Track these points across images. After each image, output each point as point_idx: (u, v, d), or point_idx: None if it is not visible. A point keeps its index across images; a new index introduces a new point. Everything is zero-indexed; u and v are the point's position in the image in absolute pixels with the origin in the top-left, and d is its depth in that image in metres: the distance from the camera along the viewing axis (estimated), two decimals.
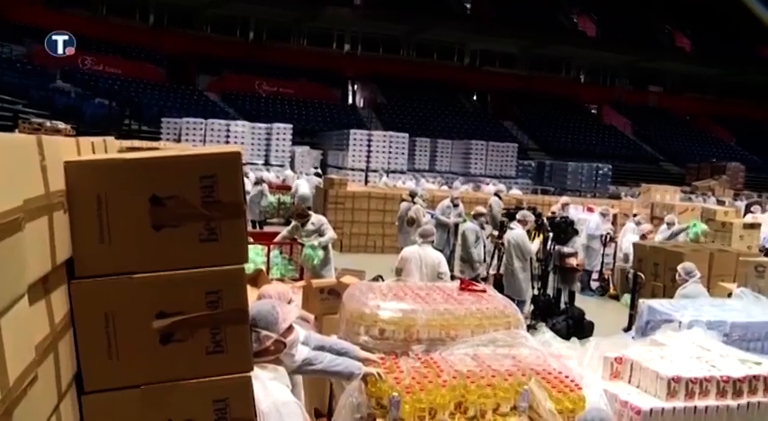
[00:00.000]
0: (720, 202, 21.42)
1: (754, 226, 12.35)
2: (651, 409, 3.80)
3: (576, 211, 13.20)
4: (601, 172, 27.55)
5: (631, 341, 4.86)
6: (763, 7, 41.99)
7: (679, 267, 6.94)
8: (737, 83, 48.72)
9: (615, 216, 12.38)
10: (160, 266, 2.10)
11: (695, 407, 3.91)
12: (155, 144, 17.85)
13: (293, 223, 9.26)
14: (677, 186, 24.75)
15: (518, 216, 9.69)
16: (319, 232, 8.91)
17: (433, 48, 43.51)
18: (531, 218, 9.79)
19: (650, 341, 4.73)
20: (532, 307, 9.80)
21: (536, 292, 9.87)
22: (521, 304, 9.27)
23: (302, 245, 8.80)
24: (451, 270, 12.63)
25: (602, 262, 12.04)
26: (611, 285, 12.01)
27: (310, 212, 9.37)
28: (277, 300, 3.58)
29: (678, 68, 46.63)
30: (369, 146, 27.10)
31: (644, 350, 4.42)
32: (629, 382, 4.17)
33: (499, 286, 9.47)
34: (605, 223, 11.95)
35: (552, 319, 9.21)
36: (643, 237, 10.98)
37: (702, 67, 46.25)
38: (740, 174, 33.66)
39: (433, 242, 7.98)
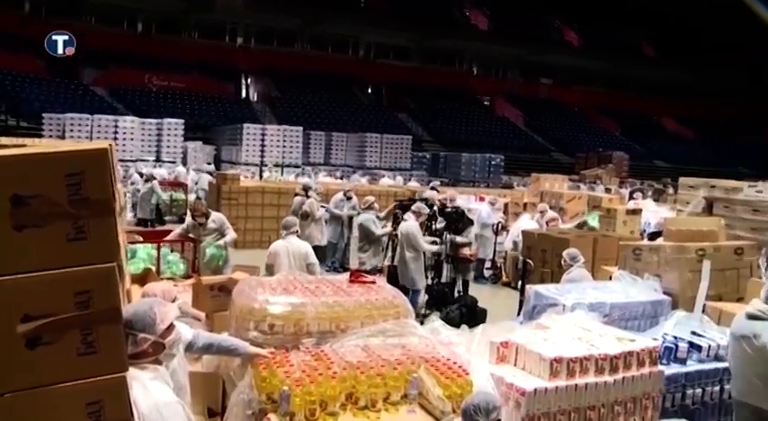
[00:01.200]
0: (607, 190, 22.33)
1: (636, 212, 12.94)
2: (535, 389, 3.94)
3: (467, 201, 13.49)
4: (493, 162, 28.20)
5: (518, 326, 5.02)
6: (764, 7, 43.37)
7: (564, 253, 7.21)
8: (623, 76, 50.92)
9: (506, 205, 12.75)
10: (24, 268, 2.02)
11: (576, 384, 4.08)
12: (29, 141, 17.02)
13: (189, 220, 9.04)
14: (567, 175, 25.66)
15: (413, 207, 9.80)
16: (220, 231, 8.75)
17: (328, 41, 43.29)
18: (426, 210, 9.94)
19: (535, 325, 4.89)
20: (427, 297, 9.95)
21: (430, 282, 10.02)
22: (415, 294, 9.42)
23: (194, 241, 8.61)
24: (347, 263, 12.78)
25: (495, 250, 12.34)
26: (503, 273, 12.34)
27: (210, 210, 9.16)
28: (161, 298, 3.51)
29: (567, 62, 48.29)
30: (263, 140, 26.80)
31: (529, 334, 4.58)
32: (515, 365, 4.31)
33: (394, 277, 9.59)
34: (496, 212, 12.26)
35: (446, 308, 9.39)
36: (547, 224, 11.31)
37: (590, 60, 48.04)
38: (625, 162, 35.16)
39: (296, 233, 7.92)
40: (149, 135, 25.98)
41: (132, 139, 25.08)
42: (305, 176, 20.57)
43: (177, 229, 9.27)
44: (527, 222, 11.94)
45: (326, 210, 12.68)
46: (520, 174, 26.64)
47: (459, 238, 10.00)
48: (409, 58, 45.43)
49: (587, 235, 9.00)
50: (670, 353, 5.04)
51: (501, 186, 23.43)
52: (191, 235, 8.77)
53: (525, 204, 13.85)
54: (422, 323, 4.87)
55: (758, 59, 54.72)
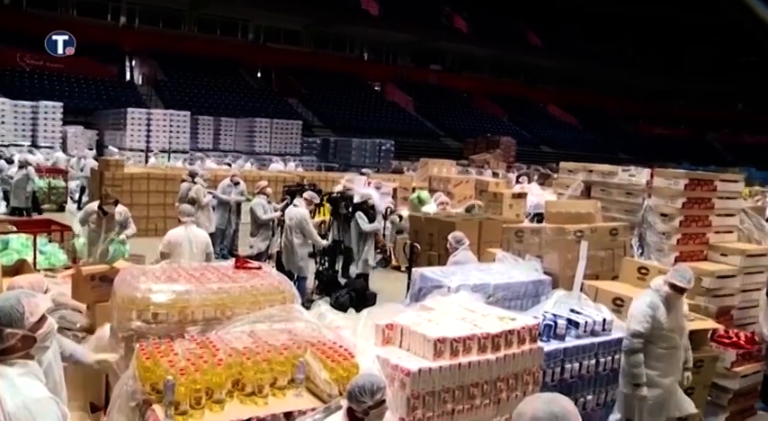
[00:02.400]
0: (495, 175, 22.90)
1: (522, 195, 13.37)
2: (419, 369, 4.01)
3: (358, 187, 13.54)
4: (384, 148, 28.38)
5: (403, 308, 5.08)
6: (764, 7, 44.18)
7: (450, 236, 7.37)
8: (510, 63, 52.32)
9: (395, 190, 12.89)
10: None
11: (459, 363, 4.17)
12: None
13: (90, 208, 8.49)
14: (456, 160, 26.13)
15: (305, 195, 9.76)
16: (124, 225, 8.42)
17: (216, 23, 42.17)
18: (317, 198, 9.94)
19: (420, 306, 4.97)
20: (317, 282, 9.97)
21: (319, 268, 10.03)
22: (302, 280, 9.43)
23: (69, 229, 8.24)
24: (235, 249, 12.62)
25: (385, 235, 12.47)
26: (392, 257, 12.49)
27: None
28: (30, 290, 3.34)
29: (456, 48, 49.12)
30: (148, 125, 25.89)
31: (413, 315, 4.64)
32: (400, 347, 4.37)
33: (281, 263, 9.56)
34: (385, 197, 12.39)
35: (336, 293, 9.44)
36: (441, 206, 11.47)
37: (479, 47, 49.01)
38: (512, 148, 36.15)
39: (192, 220, 7.80)
40: (23, 118, 24.47)
41: (3, 123, 23.64)
42: (196, 162, 20.08)
43: (80, 214, 8.76)
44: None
45: (214, 197, 12.46)
46: (410, 160, 26.90)
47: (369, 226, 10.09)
48: (300, 43, 44.95)
49: (473, 218, 9.22)
50: (550, 330, 5.23)
51: (391, 171, 23.62)
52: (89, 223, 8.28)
53: (414, 189, 14.04)
54: (308, 309, 4.85)
55: (638, 52, 57.60)
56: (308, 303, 6.10)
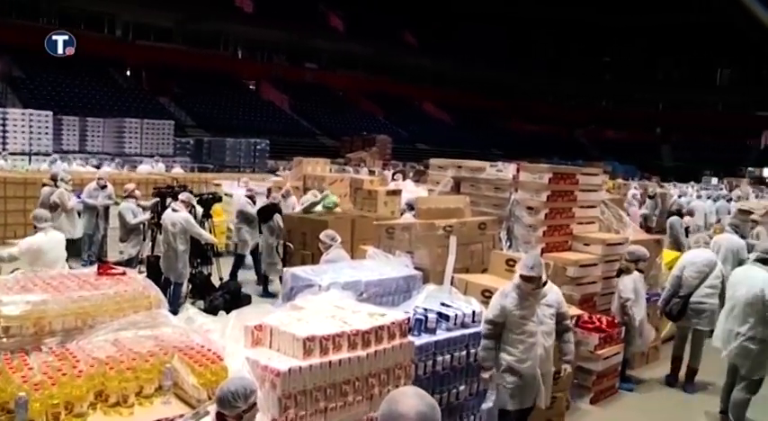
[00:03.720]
0: (371, 172, 23.07)
1: (396, 192, 13.51)
2: (289, 369, 3.96)
3: (230, 187, 13.33)
4: (259, 147, 27.97)
5: (273, 308, 5.02)
6: (764, 9, 44.63)
7: (322, 235, 7.36)
8: (386, 62, 52.90)
9: (269, 190, 12.71)
10: None
11: (330, 361, 4.15)
12: None
13: None
14: (333, 158, 26.15)
15: (182, 197, 9.47)
16: None
17: (80, 17, 39.89)
18: (194, 199, 9.69)
19: (290, 306, 4.92)
20: (190, 286, 9.72)
21: (193, 271, 9.79)
22: (179, 286, 9.19)
23: None
24: (104, 255, 12.09)
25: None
26: None
27: None
28: None
29: (332, 47, 49.20)
30: (4, 125, 24.29)
31: (283, 315, 4.59)
32: (270, 347, 4.30)
33: (155, 267, 9.25)
34: (259, 197, 12.20)
35: (210, 296, 9.24)
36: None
37: (354, 45, 49.27)
38: (388, 145, 36.51)
39: (51, 225, 7.45)
40: None
41: None
42: (55, 164, 19.06)
43: None
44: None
45: (80, 201, 11.90)
46: (286, 159, 26.66)
47: None
48: (171, 40, 43.65)
49: (345, 216, 9.26)
50: (421, 324, 5.30)
51: (267, 171, 23.35)
52: None
53: (288, 188, 13.91)
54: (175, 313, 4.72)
55: (511, 51, 59.64)
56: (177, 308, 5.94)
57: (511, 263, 6.63)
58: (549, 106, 63.87)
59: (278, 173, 21.69)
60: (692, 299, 7.79)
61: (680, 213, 15.99)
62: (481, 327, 5.44)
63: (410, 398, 2.31)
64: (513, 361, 5.34)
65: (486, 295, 6.16)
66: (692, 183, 34.23)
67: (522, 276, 5.30)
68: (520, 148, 43.86)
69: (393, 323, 4.60)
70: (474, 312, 5.61)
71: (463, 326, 5.53)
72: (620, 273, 7.63)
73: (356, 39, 48.55)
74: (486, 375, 5.42)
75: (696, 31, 58.39)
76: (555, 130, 61.55)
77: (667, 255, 10.12)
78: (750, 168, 53.13)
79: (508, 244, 7.94)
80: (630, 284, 7.47)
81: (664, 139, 63.46)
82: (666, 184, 32.31)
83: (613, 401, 7.39)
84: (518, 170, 8.25)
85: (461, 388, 5.50)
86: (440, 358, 5.28)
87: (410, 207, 9.23)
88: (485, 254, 7.05)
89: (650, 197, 20.75)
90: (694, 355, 7.92)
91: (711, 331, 7.28)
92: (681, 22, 57.32)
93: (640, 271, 7.73)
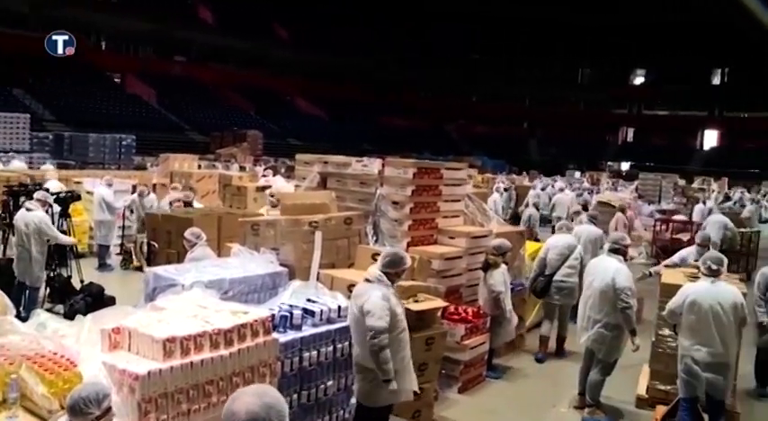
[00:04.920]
0: (242, 168, 22.78)
1: (266, 188, 13.38)
2: (149, 372, 3.84)
3: (92, 185, 12.79)
4: (125, 143, 26.84)
5: (132, 310, 4.87)
6: (764, 8, 44.26)
7: (186, 233, 7.20)
8: (257, 56, 52.19)
9: (134, 187, 12.32)
10: None
11: (191, 362, 4.05)
12: None
13: None
14: (203, 154, 25.61)
15: (38, 196, 8.99)
16: None
17: None
18: (50, 198, 9.22)
19: (150, 307, 4.79)
20: (48, 290, 9.27)
21: (50, 274, 9.34)
22: (35, 290, 8.74)
23: None
24: None
25: (123, 234, 11.89)
26: (133, 257, 11.96)
27: None
28: None
29: (202, 39, 48.05)
30: None
31: (143, 317, 4.45)
32: (129, 350, 4.17)
33: (7, 271, 8.77)
34: (121, 195, 11.83)
35: (70, 300, 8.86)
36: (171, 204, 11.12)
37: (224, 38, 48.31)
38: (259, 141, 36.18)
39: None
40: None
41: None
42: None
43: None
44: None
45: None
46: (154, 155, 25.81)
47: None
48: (25, 26, 40.78)
49: (211, 213, 9.09)
50: (286, 320, 5.27)
51: (133, 167, 22.53)
52: None
53: (155, 185, 13.53)
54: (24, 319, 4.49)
55: (382, 46, 60.24)
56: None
57: (376, 257, 6.72)
58: (421, 101, 65.17)
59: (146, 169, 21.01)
60: (555, 278, 8.86)
61: (537, 206, 16.84)
62: (374, 341, 5.33)
63: (247, 396, 2.34)
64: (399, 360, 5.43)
65: (351, 290, 6.22)
66: (557, 176, 35.85)
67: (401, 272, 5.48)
68: (392, 143, 44.48)
69: (256, 320, 4.55)
70: (340, 307, 5.62)
71: (329, 321, 5.53)
72: (489, 267, 7.89)
73: (227, 31, 47.71)
74: (393, 386, 5.35)
75: (559, 29, 61.33)
76: (427, 125, 62.87)
77: (530, 246, 10.59)
78: (609, 162, 56.40)
79: (374, 238, 8.04)
80: (501, 277, 7.76)
81: (531, 134, 66.25)
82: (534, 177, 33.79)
83: (481, 389, 7.65)
84: (383, 165, 8.38)
85: (329, 383, 5.50)
86: (306, 354, 5.26)
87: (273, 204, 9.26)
88: (351, 249, 7.11)
89: (506, 190, 21.64)
90: (562, 326, 8.97)
91: (574, 307, 7.90)
92: (546, 18, 59.99)
93: (506, 263, 8.06)
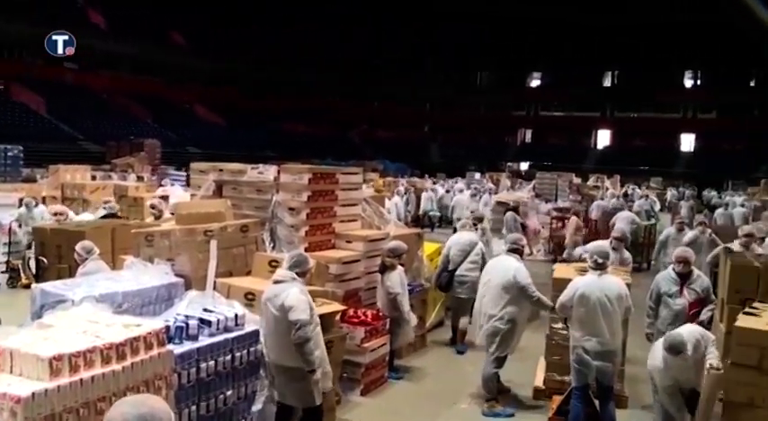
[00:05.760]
0: (140, 178, 22.18)
1: (164, 198, 13.10)
2: (33, 393, 3.72)
3: None
4: (11, 154, 25.62)
5: (16, 330, 4.70)
6: (764, 9, 43.53)
7: (77, 247, 6.99)
8: (152, 62, 50.91)
9: (21, 200, 11.81)
10: None
11: (81, 379, 3.94)
12: None
13: None
14: (98, 165, 24.78)
15: None
16: None
17: None
18: None
19: (37, 325, 4.63)
20: None
21: None
22: None
23: None
24: None
25: (9, 251, 11.37)
26: (21, 274, 11.45)
27: None
28: None
29: (94, 45, 46.30)
30: None
31: (28, 335, 4.30)
32: (11, 372, 4.02)
33: None
34: (8, 209, 11.34)
35: None
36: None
37: (118, 44, 46.88)
38: (158, 150, 35.26)
39: None
40: None
41: None
42: None
43: None
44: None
45: None
46: (44, 166, 24.77)
47: None
48: None
49: (104, 226, 8.84)
50: (182, 331, 5.21)
51: (22, 180, 21.55)
52: None
53: (45, 198, 13.02)
54: None
55: (289, 53, 59.86)
56: None
57: (274, 264, 6.72)
58: (322, 107, 65.10)
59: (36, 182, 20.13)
60: (457, 272, 9.27)
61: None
62: (300, 333, 5.44)
63: (124, 406, 2.34)
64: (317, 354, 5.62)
65: (248, 298, 6.21)
66: (458, 178, 36.51)
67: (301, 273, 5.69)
68: (295, 150, 44.25)
69: (150, 333, 4.48)
70: (237, 316, 5.60)
71: (226, 330, 5.50)
72: (385, 269, 8.00)
73: (119, 37, 46.27)
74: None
75: (457, 34, 62.62)
76: (330, 131, 62.90)
77: (429, 247, 10.79)
78: (509, 163, 57.94)
79: (272, 245, 8.03)
80: (397, 279, 7.88)
81: (432, 138, 67.25)
82: (435, 180, 34.35)
83: (383, 391, 7.73)
84: (279, 172, 8.38)
85: (228, 392, 5.47)
86: (203, 365, 5.22)
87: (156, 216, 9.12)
88: (248, 256, 7.07)
89: (406, 192, 21.94)
90: (456, 318, 9.39)
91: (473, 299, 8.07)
92: (444, 23, 61.13)
93: (402, 264, 8.19)
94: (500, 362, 7.29)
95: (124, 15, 47.21)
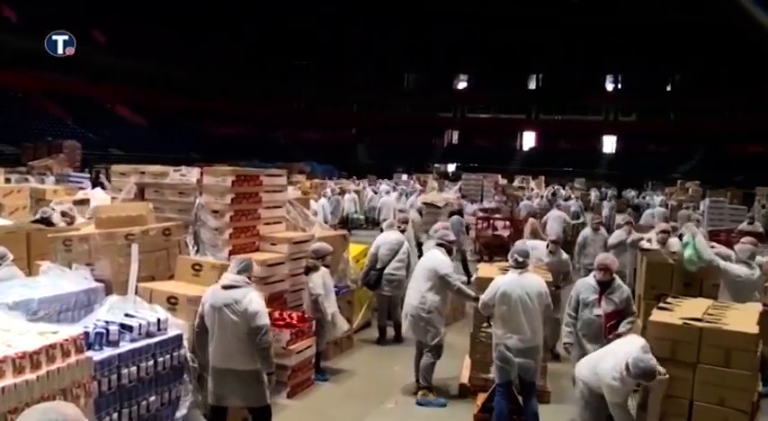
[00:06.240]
0: (59, 181, 21.45)
1: (84, 201, 12.70)
2: None
3: None
4: None
5: None
6: (763, 12, 42.59)
7: None
8: (72, 60, 49.16)
9: None
10: None
11: None
12: None
13: None
14: (14, 167, 23.90)
15: None
16: None
17: None
18: None
19: None
20: None
21: None
22: None
23: None
24: None
25: None
26: None
27: None
28: None
29: (7, 41, 44.62)
30: None
31: None
32: None
33: None
34: None
35: None
36: None
37: (32, 41, 45.17)
38: (78, 151, 34.19)
39: None
40: None
41: None
42: None
43: None
44: None
45: None
46: None
47: None
48: None
49: (18, 230, 8.53)
50: (102, 337, 5.10)
51: None
52: None
53: None
54: None
55: (211, 55, 59.00)
56: None
57: (197, 267, 6.65)
58: (249, 108, 64.43)
59: None
60: (386, 271, 9.48)
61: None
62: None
63: (34, 413, 2.32)
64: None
65: (171, 302, 6.12)
66: (384, 179, 36.66)
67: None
68: (221, 151, 43.65)
69: (67, 340, 4.37)
70: (159, 320, 5.53)
71: (149, 335, 5.42)
72: (309, 270, 8.03)
73: (35, 32, 44.55)
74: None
75: (384, 36, 62.98)
76: (256, 132, 62.27)
77: (354, 248, 10.84)
78: (436, 164, 58.52)
79: (195, 248, 7.92)
80: (319, 280, 7.91)
81: (359, 139, 67.35)
82: (362, 181, 34.40)
83: (310, 393, 7.74)
84: (202, 174, 8.28)
85: (151, 399, 5.39)
86: (125, 371, 5.13)
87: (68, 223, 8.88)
88: (170, 260, 6.96)
89: (333, 194, 21.98)
90: (396, 314, 9.41)
91: (402, 297, 8.30)
92: (373, 26, 61.39)
93: (327, 266, 8.21)
94: (437, 350, 7.54)
95: (39, 11, 45.50)
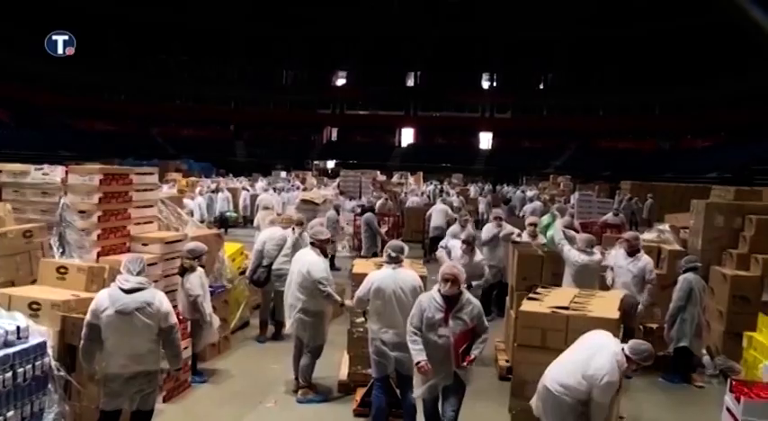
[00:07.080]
0: None
1: None
2: None
3: None
4: None
5: None
6: (762, 13, 40.40)
7: None
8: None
9: None
10: None
11: None
12: None
13: None
14: None
15: None
16: None
17: None
18: None
19: None
20: None
21: None
22: None
23: None
24: None
25: None
26: None
27: None
28: None
29: None
30: None
31: None
32: None
33: None
34: None
35: None
36: None
37: None
38: None
39: None
40: None
41: None
42: None
43: None
44: None
45: None
46: None
47: None
48: None
49: None
50: None
51: None
52: None
53: None
54: None
55: (88, 50, 56.26)
56: None
57: (62, 270, 6.35)
58: (123, 104, 62.25)
59: None
60: (274, 266, 9.53)
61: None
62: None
63: None
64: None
65: (33, 308, 5.81)
66: (260, 176, 36.20)
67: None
68: (94, 149, 41.96)
69: None
70: (19, 328, 5.22)
71: (6, 345, 5.11)
72: (185, 271, 7.82)
73: None
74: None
75: (261, 32, 62.38)
76: (131, 129, 60.21)
77: (230, 247, 10.67)
78: (316, 161, 58.48)
79: (61, 250, 7.55)
80: (197, 281, 7.73)
81: (237, 136, 66.37)
82: (242, 179, 33.95)
83: (187, 396, 7.56)
84: (66, 172, 7.89)
85: (10, 414, 5.09)
86: None
87: None
88: (33, 263, 6.60)
89: (212, 192, 21.61)
90: (279, 312, 9.24)
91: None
92: (248, 23, 60.67)
93: (202, 266, 8.02)
94: (315, 352, 7.55)
95: None
